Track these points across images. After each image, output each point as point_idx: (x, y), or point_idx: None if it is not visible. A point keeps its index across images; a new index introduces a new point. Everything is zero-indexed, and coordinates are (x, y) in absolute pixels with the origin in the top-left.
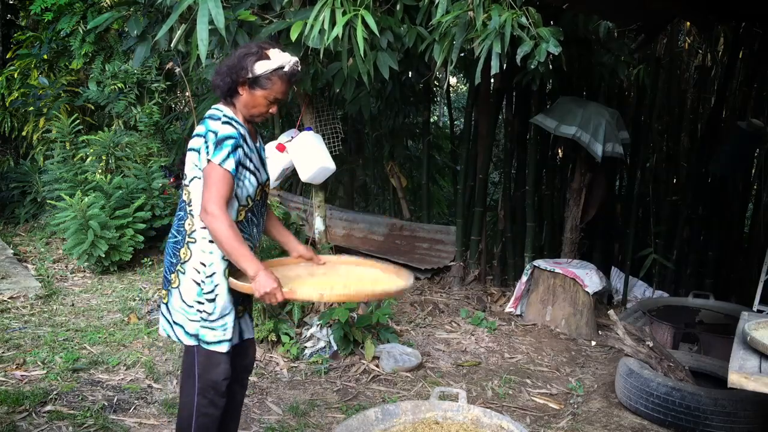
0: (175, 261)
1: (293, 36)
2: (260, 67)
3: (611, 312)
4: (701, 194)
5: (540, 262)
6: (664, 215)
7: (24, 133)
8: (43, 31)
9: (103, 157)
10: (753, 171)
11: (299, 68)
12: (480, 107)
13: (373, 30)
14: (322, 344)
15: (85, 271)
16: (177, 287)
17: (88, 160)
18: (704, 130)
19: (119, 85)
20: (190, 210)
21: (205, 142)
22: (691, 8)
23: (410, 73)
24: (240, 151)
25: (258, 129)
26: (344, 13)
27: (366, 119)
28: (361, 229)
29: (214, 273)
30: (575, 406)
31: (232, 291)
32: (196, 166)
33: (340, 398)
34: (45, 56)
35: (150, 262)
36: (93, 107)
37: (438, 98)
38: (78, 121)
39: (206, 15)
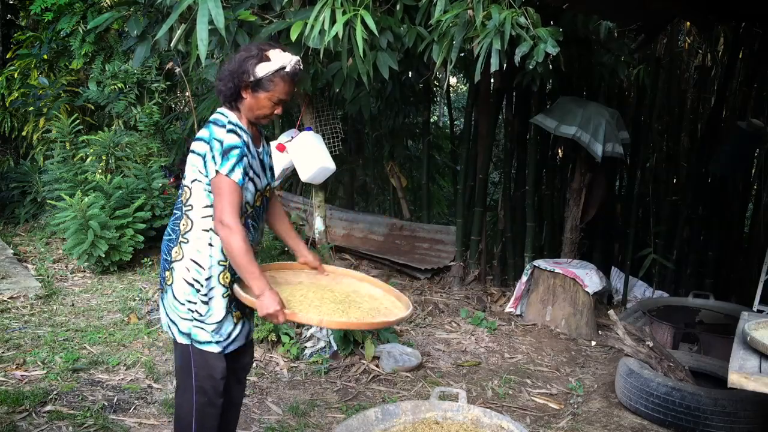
0: (169, 259)
1: (293, 36)
2: (261, 70)
3: (611, 312)
4: (701, 194)
5: (540, 262)
6: (664, 215)
7: (24, 133)
8: (43, 31)
9: (103, 157)
10: (753, 171)
11: (301, 67)
12: (480, 107)
13: (373, 30)
14: (322, 344)
15: (85, 271)
16: (170, 285)
17: (88, 160)
18: (704, 130)
19: (119, 85)
20: (187, 210)
21: (211, 150)
22: (691, 8)
23: (410, 73)
24: (245, 160)
25: (262, 132)
26: (344, 13)
27: (366, 119)
28: (361, 229)
29: (210, 276)
30: (575, 406)
31: (227, 297)
32: (200, 171)
33: (340, 398)
34: (45, 56)
35: (150, 262)
36: (93, 107)
37: (438, 98)
38: (78, 121)
39: (206, 15)
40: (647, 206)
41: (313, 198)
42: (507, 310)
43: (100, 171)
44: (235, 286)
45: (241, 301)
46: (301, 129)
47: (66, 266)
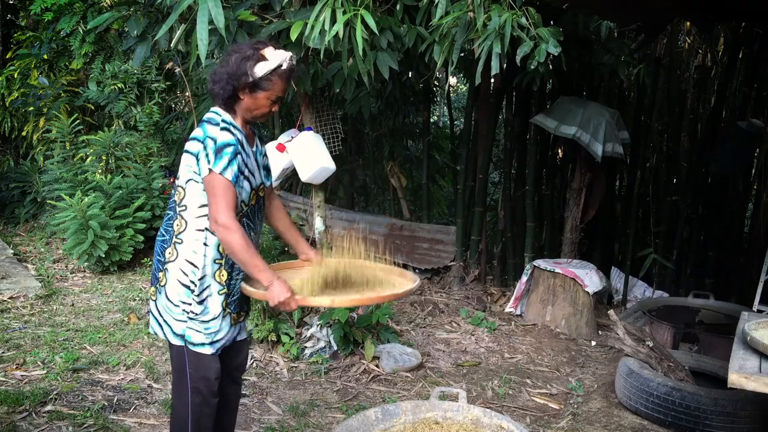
0: (162, 260)
1: (293, 36)
2: (260, 70)
3: (611, 312)
4: (701, 194)
5: (540, 262)
6: (664, 215)
7: (24, 133)
8: (43, 31)
9: (103, 157)
10: (753, 171)
11: (295, 63)
12: (480, 107)
13: (373, 29)
14: (322, 344)
15: (85, 271)
16: (164, 286)
17: (88, 160)
18: (704, 130)
19: (119, 85)
20: (181, 211)
21: (204, 149)
22: (691, 8)
23: (410, 73)
24: (239, 157)
25: (257, 131)
26: (344, 13)
27: (366, 119)
28: (361, 229)
29: (204, 275)
30: (575, 406)
31: (224, 295)
32: (194, 171)
33: (340, 398)
34: (45, 56)
35: (150, 262)
36: (93, 107)
37: (438, 98)
38: (78, 121)
39: (206, 15)
40: (647, 206)
41: (313, 198)
42: (507, 310)
43: (100, 171)
44: (243, 284)
45: (240, 303)
46: (301, 129)
47: (66, 266)
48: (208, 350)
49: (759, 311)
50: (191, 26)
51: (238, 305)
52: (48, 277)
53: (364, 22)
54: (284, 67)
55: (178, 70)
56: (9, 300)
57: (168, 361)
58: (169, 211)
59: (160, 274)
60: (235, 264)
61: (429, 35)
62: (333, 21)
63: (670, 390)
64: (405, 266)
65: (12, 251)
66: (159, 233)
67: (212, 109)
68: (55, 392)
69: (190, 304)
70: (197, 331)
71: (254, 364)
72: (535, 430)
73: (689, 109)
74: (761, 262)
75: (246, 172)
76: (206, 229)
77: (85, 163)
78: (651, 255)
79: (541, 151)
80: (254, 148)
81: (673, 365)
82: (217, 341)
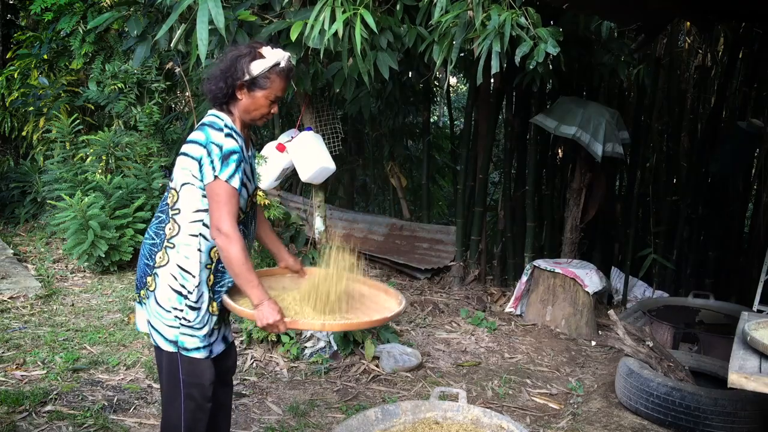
0: (151, 264)
1: (293, 36)
2: (257, 67)
3: (611, 312)
4: (701, 194)
5: (540, 262)
6: (664, 215)
7: (24, 133)
8: (43, 31)
9: (103, 157)
10: (753, 171)
11: (293, 62)
12: (480, 107)
13: (373, 29)
14: (322, 344)
15: (85, 271)
16: (153, 291)
17: (88, 160)
18: (704, 130)
19: (119, 85)
20: (174, 214)
21: (209, 154)
22: (691, 8)
23: (410, 73)
24: (242, 165)
25: (251, 136)
26: (344, 12)
27: (366, 119)
28: (361, 229)
29: (200, 283)
30: (575, 406)
31: (210, 298)
32: (193, 175)
33: (340, 398)
34: (45, 56)
35: None
36: (93, 107)
37: (438, 98)
38: (78, 121)
39: (206, 15)
40: (647, 206)
41: (313, 198)
42: (507, 310)
43: (100, 171)
44: (225, 297)
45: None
46: (301, 129)
47: (66, 266)
48: (202, 354)
49: (759, 311)
50: (191, 26)
51: (221, 308)
52: (48, 277)
53: (363, 22)
54: (282, 65)
55: (178, 70)
56: (9, 300)
57: None
58: (160, 214)
59: (149, 279)
60: (222, 268)
61: (429, 35)
62: (333, 20)
63: (670, 390)
64: (405, 266)
65: (12, 251)
66: (147, 236)
67: (212, 112)
68: (55, 392)
69: (182, 311)
70: (190, 335)
71: (254, 364)
72: (535, 430)
73: (689, 109)
74: (761, 262)
75: (245, 180)
76: (200, 234)
77: (85, 163)
78: (651, 255)
79: (541, 151)
80: (249, 152)
81: (673, 365)
82: (211, 344)
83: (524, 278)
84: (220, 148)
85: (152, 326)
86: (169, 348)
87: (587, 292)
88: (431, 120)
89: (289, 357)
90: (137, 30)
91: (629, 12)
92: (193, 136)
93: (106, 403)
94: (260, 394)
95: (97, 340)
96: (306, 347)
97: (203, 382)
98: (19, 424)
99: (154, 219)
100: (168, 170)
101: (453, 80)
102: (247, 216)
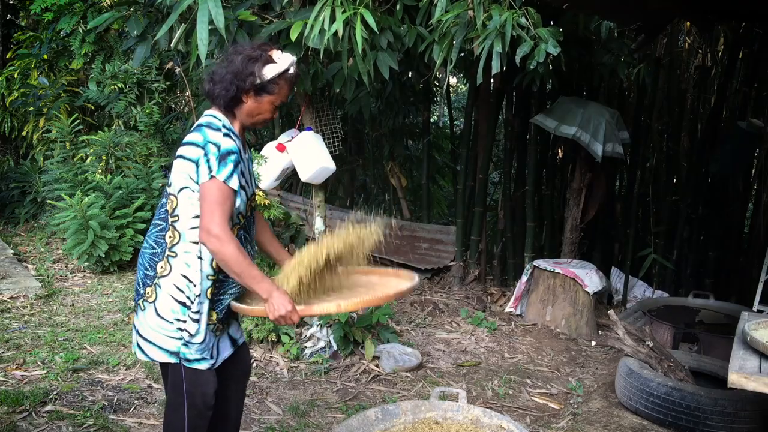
0: (151, 274)
1: (293, 36)
2: (269, 71)
3: (611, 312)
4: (701, 194)
5: (540, 262)
6: (664, 215)
7: (24, 133)
8: (43, 31)
9: (103, 157)
10: (753, 171)
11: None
12: (480, 107)
13: (373, 28)
14: (322, 344)
15: (85, 271)
16: (153, 302)
17: (88, 160)
18: (704, 130)
19: (119, 85)
20: (173, 221)
21: (206, 154)
22: (691, 8)
23: (410, 73)
24: (239, 166)
25: (247, 139)
26: (344, 12)
27: (366, 119)
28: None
29: (200, 292)
30: (575, 406)
31: (210, 310)
32: (191, 177)
33: (340, 398)
34: (45, 56)
35: None
36: (93, 107)
37: (438, 98)
38: (78, 121)
39: (206, 15)
40: (647, 206)
41: (313, 198)
42: (507, 310)
43: (100, 171)
44: (233, 302)
45: (227, 313)
46: (301, 129)
47: (66, 266)
48: (205, 365)
49: (759, 311)
50: (191, 26)
51: (224, 316)
52: (48, 277)
53: (363, 22)
54: (291, 71)
55: (178, 70)
56: (9, 300)
57: None
58: (159, 222)
59: (148, 290)
60: (224, 279)
61: (429, 35)
62: (333, 20)
63: (670, 390)
64: (405, 266)
65: (12, 251)
66: (146, 244)
67: (209, 112)
68: (55, 392)
69: (185, 322)
70: (192, 345)
71: (254, 364)
72: (535, 430)
73: (689, 109)
74: (761, 262)
75: (243, 182)
76: (201, 241)
77: (85, 163)
78: (651, 255)
79: (541, 151)
80: (247, 155)
81: (673, 365)
82: (212, 352)
83: (524, 278)
84: (218, 147)
85: (147, 340)
86: (172, 360)
87: (587, 292)
88: (431, 120)
89: (289, 357)
90: (137, 30)
91: (629, 12)
92: (189, 137)
93: (106, 403)
94: (260, 394)
95: (97, 340)
96: (306, 347)
97: (207, 392)
98: (19, 424)
99: (152, 227)
100: (168, 170)
101: (453, 80)
102: (248, 220)
